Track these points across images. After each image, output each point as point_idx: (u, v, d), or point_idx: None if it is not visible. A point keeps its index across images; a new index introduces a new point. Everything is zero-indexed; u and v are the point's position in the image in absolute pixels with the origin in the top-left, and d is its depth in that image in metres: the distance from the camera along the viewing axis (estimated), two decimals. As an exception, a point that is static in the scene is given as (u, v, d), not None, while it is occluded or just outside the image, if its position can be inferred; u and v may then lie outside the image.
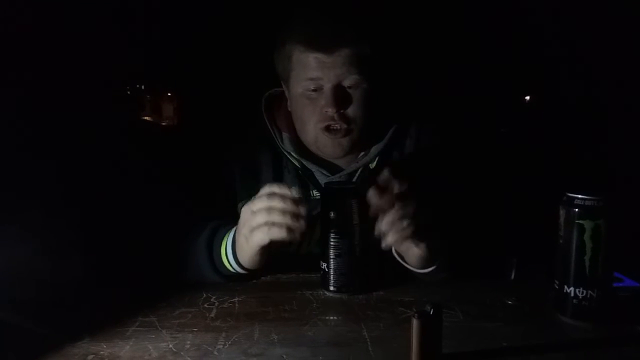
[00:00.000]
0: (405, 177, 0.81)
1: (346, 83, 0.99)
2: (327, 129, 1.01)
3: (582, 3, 1.99)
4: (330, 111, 0.99)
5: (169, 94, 2.52)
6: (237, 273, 0.91)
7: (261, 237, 0.83)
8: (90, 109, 1.48)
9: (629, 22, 1.79)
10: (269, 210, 0.82)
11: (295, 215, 0.81)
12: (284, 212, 0.81)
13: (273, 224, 0.81)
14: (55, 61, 1.32)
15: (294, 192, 0.83)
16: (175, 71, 2.26)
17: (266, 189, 0.84)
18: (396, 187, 0.80)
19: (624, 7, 1.79)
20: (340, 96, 0.98)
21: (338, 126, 1.00)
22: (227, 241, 0.91)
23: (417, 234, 0.80)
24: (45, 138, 1.20)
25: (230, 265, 0.90)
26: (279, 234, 0.82)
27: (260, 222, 0.82)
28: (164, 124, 2.50)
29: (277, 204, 0.82)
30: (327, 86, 0.98)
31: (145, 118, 2.44)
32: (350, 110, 1.00)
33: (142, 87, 2.46)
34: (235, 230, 0.89)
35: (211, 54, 2.19)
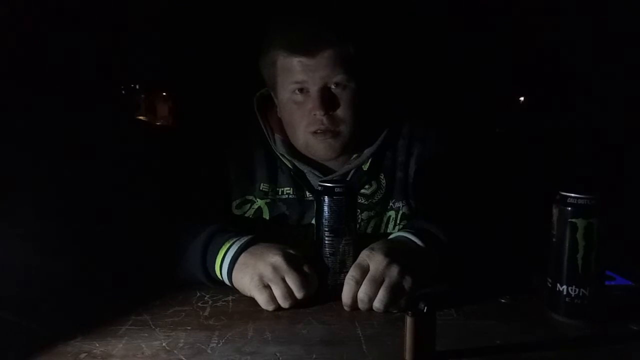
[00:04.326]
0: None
1: (332, 84, 0.99)
2: (317, 132, 1.01)
3: (580, 3, 2.00)
4: (319, 114, 0.99)
5: (164, 94, 2.52)
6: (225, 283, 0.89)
7: (261, 300, 0.81)
8: (85, 109, 1.48)
9: (626, 21, 1.80)
10: (282, 288, 0.81)
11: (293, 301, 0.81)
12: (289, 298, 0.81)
13: (274, 300, 0.81)
14: (50, 61, 1.31)
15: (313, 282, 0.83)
16: (170, 71, 2.26)
17: (299, 261, 0.84)
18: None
19: (621, 6, 1.80)
20: (328, 98, 0.99)
21: (328, 127, 1.00)
22: (227, 255, 0.86)
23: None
24: (38, 137, 1.20)
25: (222, 277, 0.88)
26: (270, 307, 0.81)
27: (276, 293, 0.81)
28: (158, 123, 2.49)
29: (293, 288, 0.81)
30: (314, 89, 0.98)
31: (140, 118, 2.43)
32: (339, 112, 1.00)
33: (137, 86, 2.45)
34: (244, 252, 0.86)
35: (206, 53, 2.19)
